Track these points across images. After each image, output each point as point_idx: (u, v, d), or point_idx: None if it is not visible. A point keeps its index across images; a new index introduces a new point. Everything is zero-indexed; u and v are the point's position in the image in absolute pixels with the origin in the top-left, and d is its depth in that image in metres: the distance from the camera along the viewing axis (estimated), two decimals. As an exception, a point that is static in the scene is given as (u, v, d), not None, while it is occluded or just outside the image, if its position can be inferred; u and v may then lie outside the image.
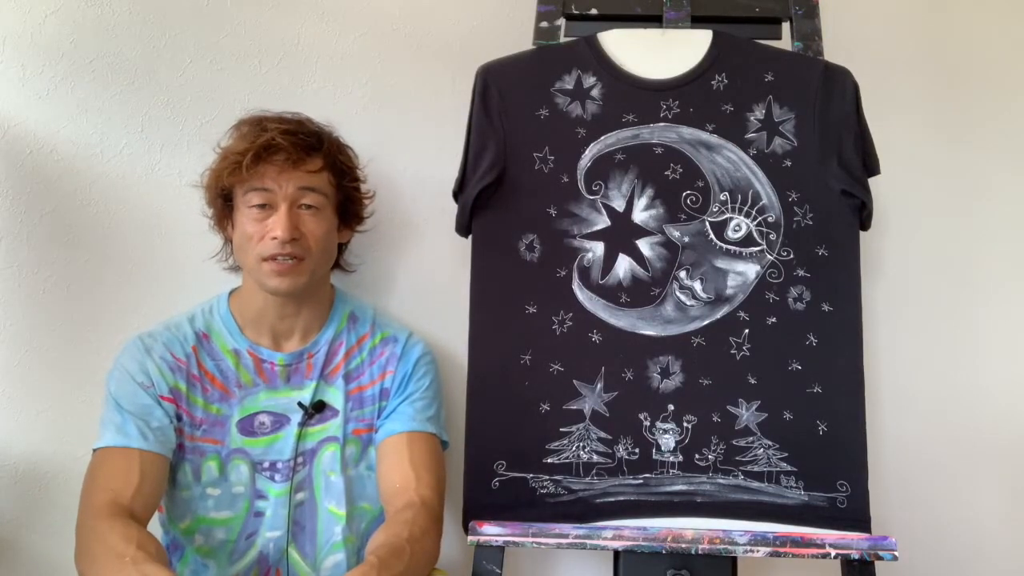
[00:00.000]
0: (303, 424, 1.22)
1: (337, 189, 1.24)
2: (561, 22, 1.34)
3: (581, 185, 1.29)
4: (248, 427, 1.21)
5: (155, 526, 1.20)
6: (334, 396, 1.24)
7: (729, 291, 1.27)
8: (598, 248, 1.28)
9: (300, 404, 1.22)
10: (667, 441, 1.23)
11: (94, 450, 1.16)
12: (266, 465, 1.21)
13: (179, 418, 1.19)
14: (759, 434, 1.23)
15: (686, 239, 1.28)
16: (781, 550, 1.13)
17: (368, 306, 1.33)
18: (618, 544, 1.14)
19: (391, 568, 1.01)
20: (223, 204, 1.23)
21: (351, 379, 1.26)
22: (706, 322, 1.26)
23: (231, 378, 1.22)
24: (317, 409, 1.22)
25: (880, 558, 1.13)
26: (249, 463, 1.20)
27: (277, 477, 1.20)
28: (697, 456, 1.23)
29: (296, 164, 1.17)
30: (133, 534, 1.02)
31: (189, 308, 1.28)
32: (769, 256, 1.27)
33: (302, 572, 1.20)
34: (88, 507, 1.09)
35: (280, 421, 1.22)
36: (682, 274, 1.27)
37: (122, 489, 1.09)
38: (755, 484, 1.22)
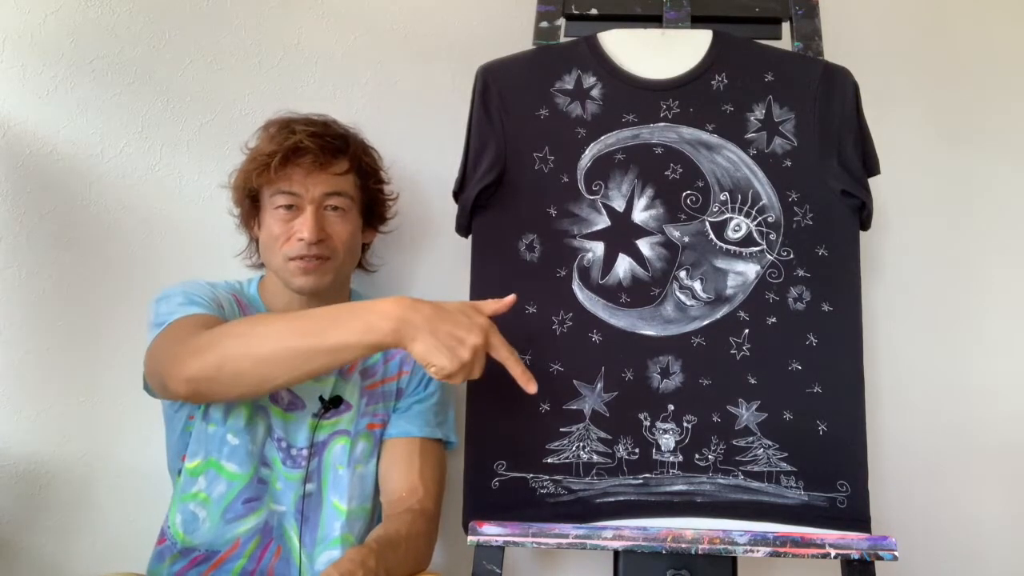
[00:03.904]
0: (318, 416, 1.23)
1: (362, 191, 1.27)
2: (561, 22, 1.34)
3: (581, 185, 1.28)
4: (274, 393, 1.22)
5: (162, 483, 1.20)
6: (351, 392, 1.26)
7: (729, 291, 1.26)
8: (598, 248, 1.28)
9: (321, 398, 1.24)
10: (667, 441, 1.23)
11: (155, 336, 1.13)
12: (277, 436, 1.22)
13: None
14: (759, 434, 1.23)
15: (686, 239, 1.28)
16: (781, 550, 1.13)
17: None
18: (618, 544, 1.14)
19: (387, 557, 1.04)
20: (250, 204, 1.26)
21: (367, 376, 1.28)
22: (706, 322, 1.26)
23: None
24: (334, 404, 1.24)
25: (880, 558, 1.13)
26: (266, 425, 1.21)
27: (288, 463, 1.21)
28: (697, 456, 1.23)
29: (323, 167, 1.21)
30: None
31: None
32: (769, 256, 1.27)
33: (296, 558, 1.20)
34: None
35: (295, 403, 1.23)
36: (682, 274, 1.27)
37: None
38: (755, 484, 1.22)
